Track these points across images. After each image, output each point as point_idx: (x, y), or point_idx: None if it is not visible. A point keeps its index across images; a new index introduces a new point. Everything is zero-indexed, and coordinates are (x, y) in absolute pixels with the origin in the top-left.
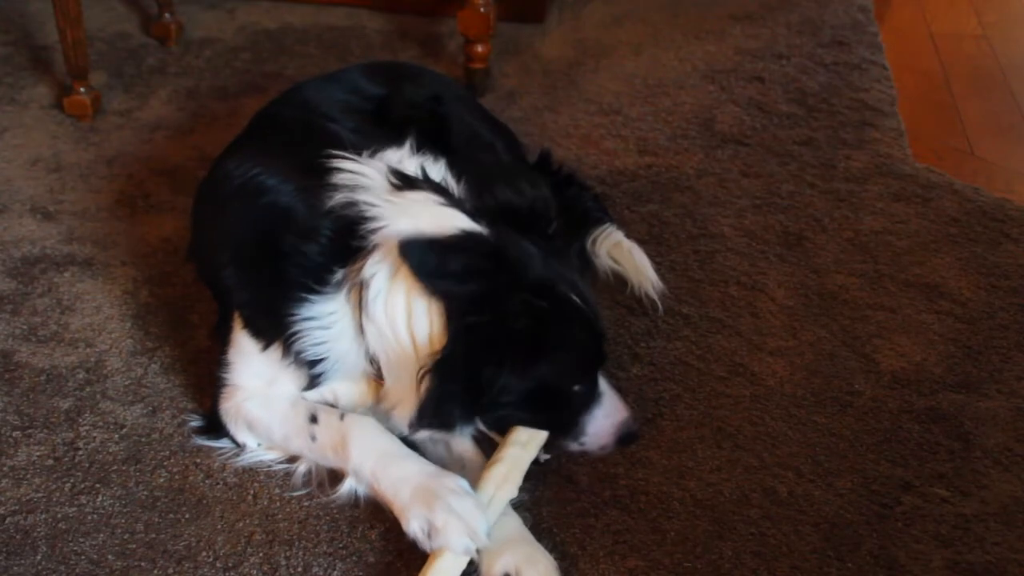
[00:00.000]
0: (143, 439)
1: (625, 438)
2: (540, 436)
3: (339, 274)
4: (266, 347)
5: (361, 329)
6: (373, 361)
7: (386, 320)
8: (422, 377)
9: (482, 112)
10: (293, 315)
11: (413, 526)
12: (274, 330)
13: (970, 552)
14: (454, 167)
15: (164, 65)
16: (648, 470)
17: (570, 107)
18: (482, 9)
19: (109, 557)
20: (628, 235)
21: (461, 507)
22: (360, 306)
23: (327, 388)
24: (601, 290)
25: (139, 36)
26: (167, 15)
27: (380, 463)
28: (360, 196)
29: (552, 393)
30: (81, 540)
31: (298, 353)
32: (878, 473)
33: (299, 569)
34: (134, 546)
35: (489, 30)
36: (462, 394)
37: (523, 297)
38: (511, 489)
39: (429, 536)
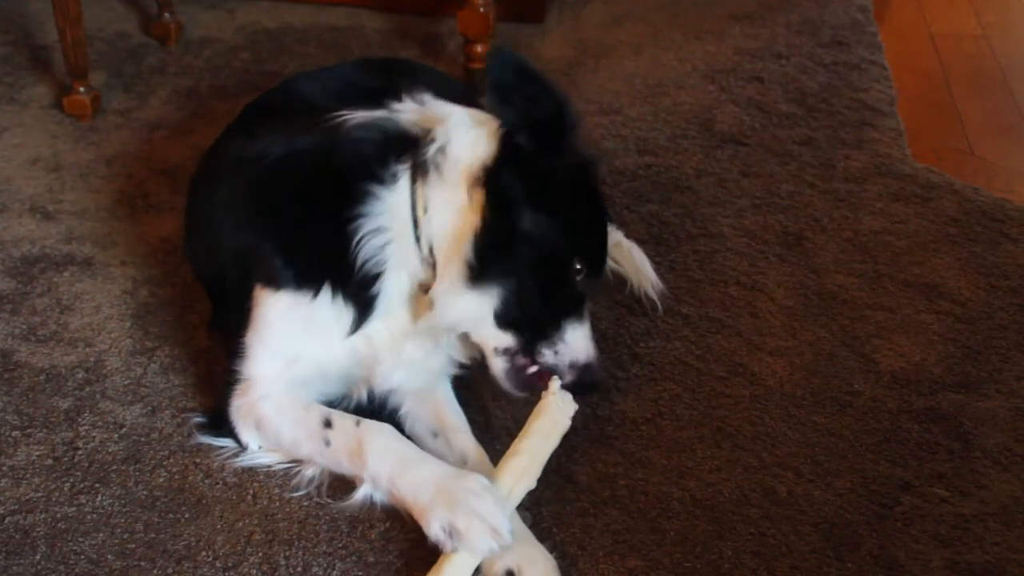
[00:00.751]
0: (142, 439)
1: (588, 377)
2: (561, 427)
3: (396, 166)
4: (317, 292)
5: (417, 223)
6: (431, 251)
7: (450, 177)
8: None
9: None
10: (350, 231)
11: (435, 528)
12: (326, 266)
13: (969, 552)
14: None
15: (164, 65)
16: (648, 470)
17: None
18: (482, 9)
19: (108, 557)
20: (628, 235)
21: (483, 508)
22: (423, 180)
23: (370, 329)
24: (601, 290)
25: (139, 36)
26: (167, 15)
27: (398, 467)
28: (394, 113)
29: (558, 259)
30: (80, 540)
31: (357, 276)
32: (877, 473)
33: (299, 569)
34: (133, 546)
35: (489, 30)
36: (500, 235)
37: (574, 147)
38: (530, 482)
39: (451, 537)
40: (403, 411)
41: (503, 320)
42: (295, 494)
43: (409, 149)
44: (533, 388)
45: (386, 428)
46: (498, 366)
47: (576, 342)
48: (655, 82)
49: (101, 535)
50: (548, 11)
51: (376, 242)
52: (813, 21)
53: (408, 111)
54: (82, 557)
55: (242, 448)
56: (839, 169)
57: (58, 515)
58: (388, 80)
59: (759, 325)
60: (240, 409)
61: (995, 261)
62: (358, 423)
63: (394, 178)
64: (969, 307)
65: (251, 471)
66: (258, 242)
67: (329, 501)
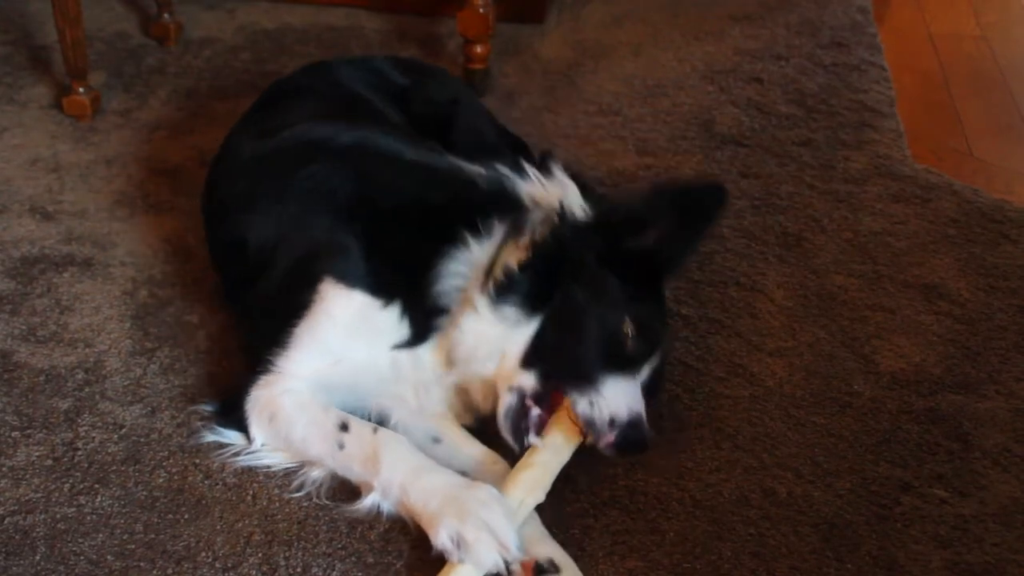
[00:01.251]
0: (142, 439)
1: (632, 436)
2: (573, 442)
3: (495, 223)
4: (389, 303)
5: (489, 275)
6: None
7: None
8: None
9: (494, 122)
10: (434, 262)
11: (442, 537)
12: (404, 282)
13: (969, 553)
14: None
15: (163, 65)
16: (647, 471)
17: (569, 108)
18: (481, 9)
19: (108, 557)
20: None
21: (492, 520)
22: (515, 242)
23: (417, 352)
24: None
25: (138, 36)
26: (166, 15)
27: (410, 476)
28: (520, 177)
29: (606, 312)
30: (80, 540)
31: (426, 302)
32: (877, 474)
33: (298, 569)
34: (133, 546)
35: (488, 30)
36: (547, 266)
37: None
38: (540, 495)
39: (459, 548)
40: (394, 421)
41: (530, 356)
42: (296, 495)
43: (513, 212)
44: (524, 438)
45: (403, 439)
46: (504, 402)
47: (616, 397)
48: (654, 83)
49: (101, 536)
50: (548, 12)
51: (452, 282)
52: (813, 22)
53: (531, 181)
54: (82, 558)
55: (248, 442)
56: (839, 170)
57: (58, 516)
58: (415, 80)
59: (759, 326)
60: (259, 400)
61: (994, 262)
62: (375, 431)
63: (488, 233)
64: (969, 308)
65: (251, 472)
66: (344, 238)
67: (329, 503)
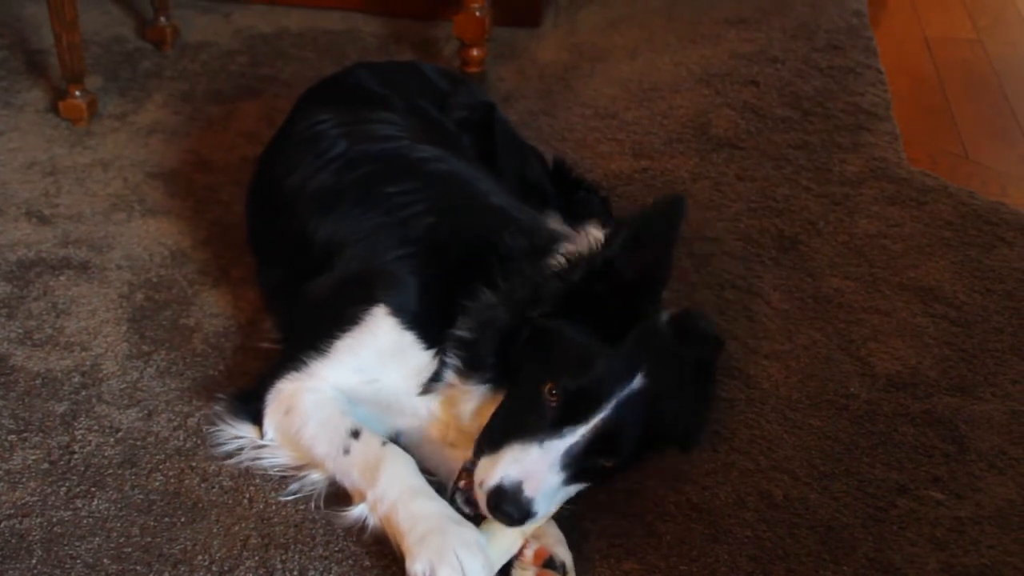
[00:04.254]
0: (139, 443)
1: (494, 503)
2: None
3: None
4: (431, 347)
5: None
6: None
7: None
8: None
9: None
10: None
11: (416, 568)
12: (448, 329)
13: (965, 555)
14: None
15: (160, 69)
16: (643, 473)
17: (566, 111)
18: (478, 13)
19: (105, 561)
20: None
21: (469, 565)
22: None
23: (432, 397)
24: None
25: (135, 40)
26: (163, 19)
27: (405, 495)
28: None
29: (530, 378)
30: (77, 544)
31: (461, 347)
32: (873, 476)
33: (295, 573)
34: (130, 550)
35: (485, 34)
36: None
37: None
38: (519, 543)
39: None
40: (404, 441)
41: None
42: (292, 497)
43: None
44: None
45: (408, 459)
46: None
47: (498, 463)
48: (650, 86)
49: (97, 539)
50: (544, 15)
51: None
52: (808, 25)
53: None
54: (78, 561)
55: (259, 435)
56: (835, 173)
57: (54, 519)
58: (453, 87)
59: (755, 328)
60: (281, 392)
61: (990, 265)
62: (384, 444)
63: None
64: (964, 310)
65: (247, 475)
66: (406, 272)
67: (322, 508)
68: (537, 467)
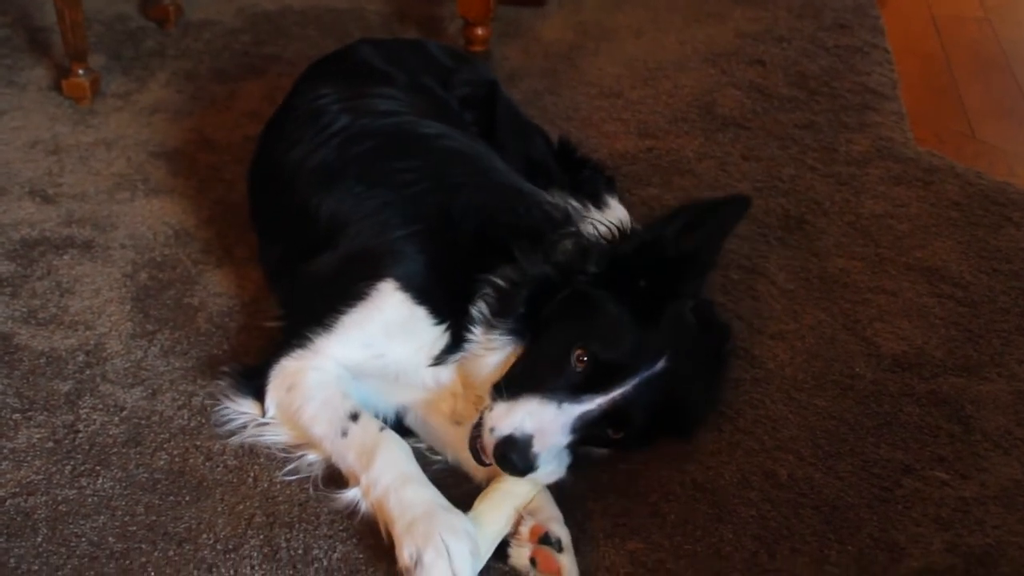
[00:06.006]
0: (143, 421)
1: (501, 452)
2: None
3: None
4: (441, 321)
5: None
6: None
7: None
8: None
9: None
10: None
11: (405, 553)
12: (458, 305)
13: (970, 535)
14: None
15: (163, 47)
16: (647, 453)
17: (571, 90)
18: None
19: (109, 539)
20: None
21: (456, 550)
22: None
23: (448, 361)
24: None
25: (138, 18)
26: None
27: (398, 481)
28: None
29: (558, 339)
30: (81, 522)
31: (467, 321)
32: (878, 456)
33: (299, 551)
34: (134, 528)
35: (489, 12)
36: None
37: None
38: (508, 527)
39: (416, 567)
40: (410, 418)
41: (500, 379)
42: (290, 478)
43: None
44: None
45: (405, 445)
46: (472, 422)
47: (516, 413)
48: (656, 65)
49: (102, 518)
50: None
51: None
52: (815, 4)
53: (589, 212)
54: (83, 539)
55: (260, 412)
56: (841, 153)
57: (59, 498)
58: (457, 64)
59: (760, 308)
60: (285, 369)
61: (997, 245)
62: (382, 428)
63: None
64: (971, 291)
65: (252, 454)
66: (414, 247)
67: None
68: (551, 426)
